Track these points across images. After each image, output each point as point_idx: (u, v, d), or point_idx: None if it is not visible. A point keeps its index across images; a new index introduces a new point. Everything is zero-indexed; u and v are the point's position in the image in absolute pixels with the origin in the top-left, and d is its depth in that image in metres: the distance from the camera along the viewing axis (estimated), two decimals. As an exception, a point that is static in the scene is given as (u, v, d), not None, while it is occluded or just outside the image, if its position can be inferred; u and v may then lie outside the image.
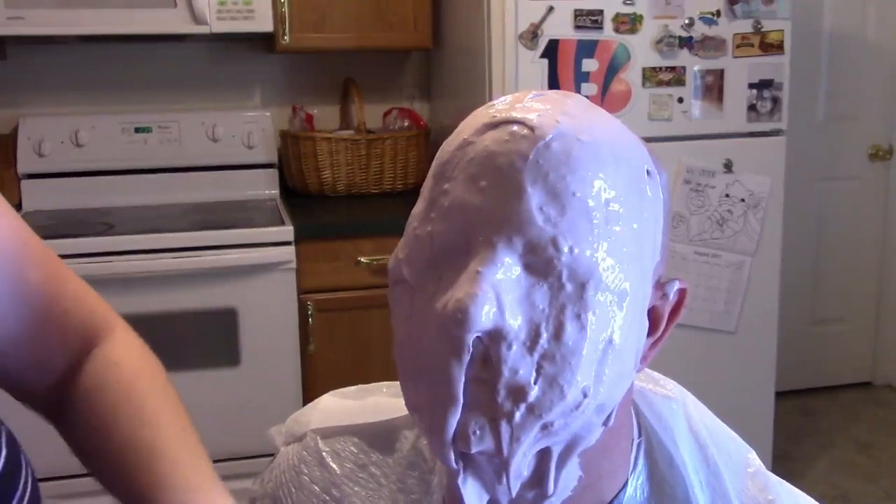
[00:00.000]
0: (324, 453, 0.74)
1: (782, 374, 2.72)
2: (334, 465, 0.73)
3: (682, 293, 0.61)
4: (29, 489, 0.63)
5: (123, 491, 0.67)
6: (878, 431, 3.21)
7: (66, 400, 0.71)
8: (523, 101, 0.58)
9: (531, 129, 0.55)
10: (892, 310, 3.52)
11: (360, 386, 0.81)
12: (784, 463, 2.82)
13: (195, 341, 2.26)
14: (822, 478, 2.86)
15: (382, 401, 0.76)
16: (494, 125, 0.56)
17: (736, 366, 2.50)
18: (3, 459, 0.60)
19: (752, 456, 0.70)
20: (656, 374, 0.72)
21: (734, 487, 0.66)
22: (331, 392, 0.81)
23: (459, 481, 0.56)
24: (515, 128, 0.55)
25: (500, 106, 0.58)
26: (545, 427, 0.53)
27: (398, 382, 0.71)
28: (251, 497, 0.80)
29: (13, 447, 0.62)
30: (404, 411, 0.66)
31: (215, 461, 2.71)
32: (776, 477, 0.70)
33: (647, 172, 0.59)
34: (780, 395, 2.78)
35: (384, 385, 0.79)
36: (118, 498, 0.68)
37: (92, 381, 0.71)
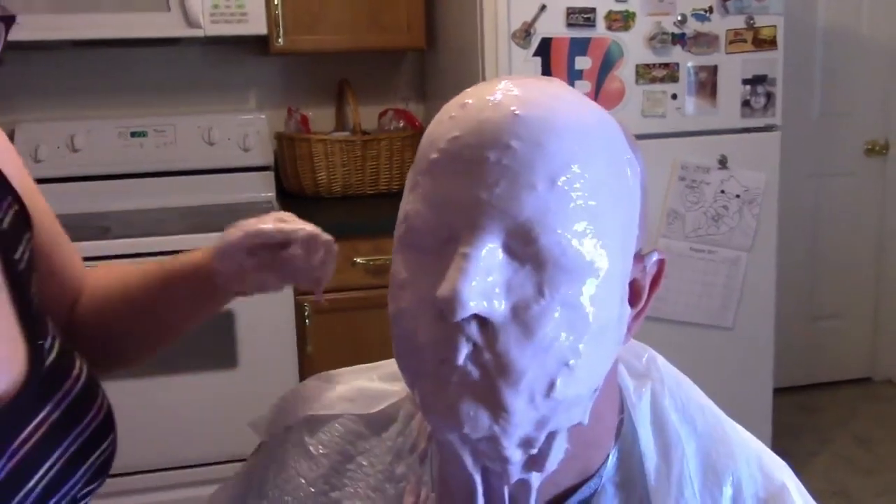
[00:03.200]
0: (310, 446, 0.74)
1: (780, 370, 2.73)
2: (320, 457, 0.73)
3: (660, 264, 0.63)
4: (103, 413, 0.78)
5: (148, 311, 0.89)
6: (878, 427, 3.21)
7: (76, 316, 0.90)
8: (495, 89, 0.58)
9: (504, 117, 0.55)
10: (890, 305, 3.52)
11: (342, 369, 0.81)
12: (783, 459, 2.81)
13: (192, 344, 2.23)
14: (822, 473, 2.87)
15: (366, 386, 0.76)
16: (467, 115, 0.57)
17: (733, 362, 2.50)
18: (80, 386, 0.76)
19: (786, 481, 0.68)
20: (631, 343, 0.71)
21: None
22: (313, 377, 0.81)
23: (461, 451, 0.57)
24: (487, 116, 0.56)
25: (471, 95, 0.59)
26: (539, 421, 0.55)
27: (385, 363, 0.72)
28: (235, 489, 0.80)
29: (92, 378, 0.79)
30: (390, 396, 0.66)
31: (213, 463, 2.69)
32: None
33: (622, 149, 0.59)
34: (779, 391, 2.78)
35: (370, 367, 0.79)
36: (150, 324, 0.91)
37: (89, 289, 0.92)
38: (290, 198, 2.72)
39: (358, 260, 2.33)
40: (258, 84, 2.82)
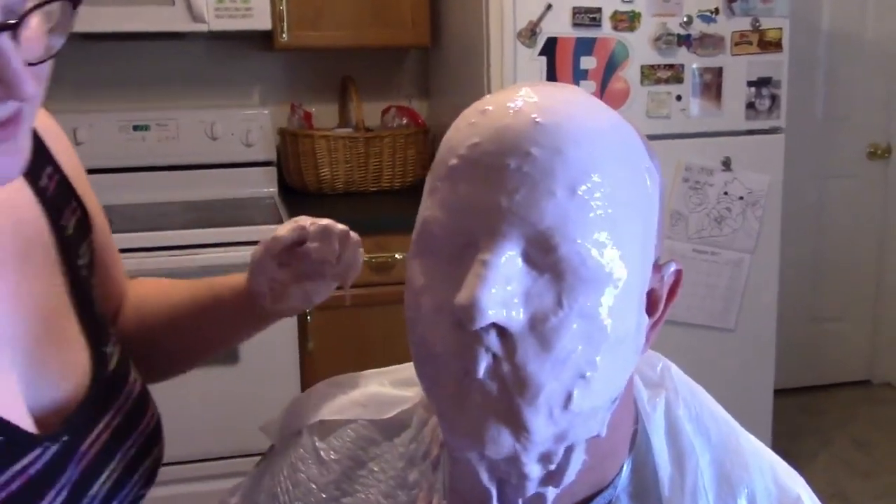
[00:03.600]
0: (321, 451, 0.74)
1: (781, 371, 2.73)
2: (332, 463, 0.73)
3: (678, 274, 0.62)
4: (154, 419, 0.80)
5: (191, 328, 0.90)
6: (877, 429, 3.21)
7: (119, 324, 0.91)
8: (516, 95, 0.57)
9: (524, 124, 0.55)
10: (890, 308, 3.52)
11: (354, 374, 0.80)
12: (783, 461, 2.82)
13: (194, 339, 2.25)
14: (821, 475, 2.87)
15: (379, 391, 0.76)
16: (487, 122, 0.56)
17: (735, 363, 2.50)
18: (136, 392, 0.78)
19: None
20: (648, 353, 0.71)
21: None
22: (325, 381, 0.81)
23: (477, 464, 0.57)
24: (507, 123, 0.55)
25: (491, 101, 0.58)
26: (558, 435, 0.55)
27: (397, 368, 0.71)
28: (246, 492, 0.79)
29: (144, 385, 0.81)
30: (401, 402, 0.65)
31: (214, 459, 2.69)
32: None
33: (642, 158, 0.59)
34: (779, 392, 2.78)
35: (382, 372, 0.79)
36: (194, 338, 0.91)
37: (132, 299, 0.93)
38: (292, 194, 2.72)
39: (360, 257, 2.32)
40: (262, 79, 2.82)
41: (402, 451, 0.71)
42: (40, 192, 0.75)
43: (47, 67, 0.61)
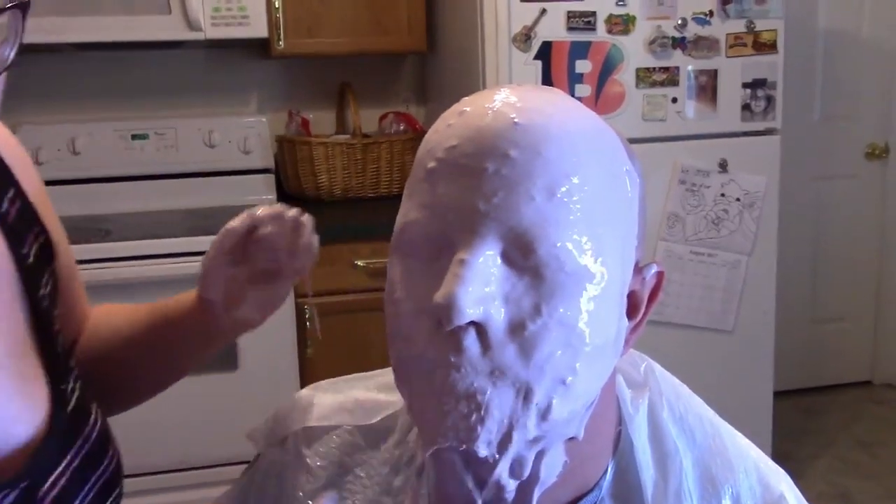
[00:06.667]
0: (307, 458, 0.73)
1: (781, 373, 2.72)
2: (318, 470, 0.72)
3: (659, 276, 0.62)
4: (115, 460, 0.75)
5: (148, 349, 0.85)
6: (879, 430, 3.20)
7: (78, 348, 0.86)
8: (494, 97, 0.57)
9: (502, 125, 0.54)
10: (891, 308, 3.52)
11: (339, 379, 0.80)
12: (784, 462, 2.76)
13: (193, 347, 2.25)
14: (823, 477, 2.86)
15: (364, 396, 0.75)
16: (465, 123, 0.56)
17: (734, 365, 2.49)
18: (96, 432, 0.73)
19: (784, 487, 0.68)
20: (629, 352, 0.71)
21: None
22: (310, 387, 0.81)
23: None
24: (485, 124, 0.55)
25: (469, 103, 0.58)
26: (533, 441, 0.54)
27: (382, 372, 0.71)
28: (233, 502, 0.79)
29: (105, 423, 0.76)
30: (386, 408, 0.65)
31: (212, 466, 2.69)
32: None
33: (622, 161, 0.59)
34: (780, 394, 2.78)
35: (367, 376, 0.79)
36: (154, 361, 0.86)
37: (89, 328, 0.88)
38: (290, 201, 2.72)
39: (358, 263, 2.33)
40: (259, 87, 2.82)
41: (387, 456, 0.70)
42: (1, 219, 0.71)
43: None
